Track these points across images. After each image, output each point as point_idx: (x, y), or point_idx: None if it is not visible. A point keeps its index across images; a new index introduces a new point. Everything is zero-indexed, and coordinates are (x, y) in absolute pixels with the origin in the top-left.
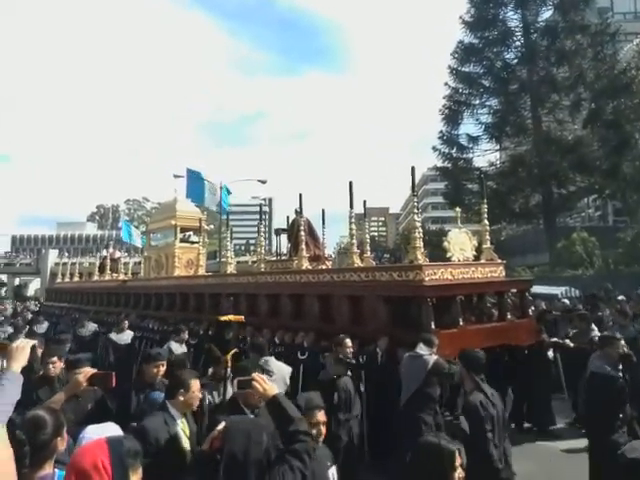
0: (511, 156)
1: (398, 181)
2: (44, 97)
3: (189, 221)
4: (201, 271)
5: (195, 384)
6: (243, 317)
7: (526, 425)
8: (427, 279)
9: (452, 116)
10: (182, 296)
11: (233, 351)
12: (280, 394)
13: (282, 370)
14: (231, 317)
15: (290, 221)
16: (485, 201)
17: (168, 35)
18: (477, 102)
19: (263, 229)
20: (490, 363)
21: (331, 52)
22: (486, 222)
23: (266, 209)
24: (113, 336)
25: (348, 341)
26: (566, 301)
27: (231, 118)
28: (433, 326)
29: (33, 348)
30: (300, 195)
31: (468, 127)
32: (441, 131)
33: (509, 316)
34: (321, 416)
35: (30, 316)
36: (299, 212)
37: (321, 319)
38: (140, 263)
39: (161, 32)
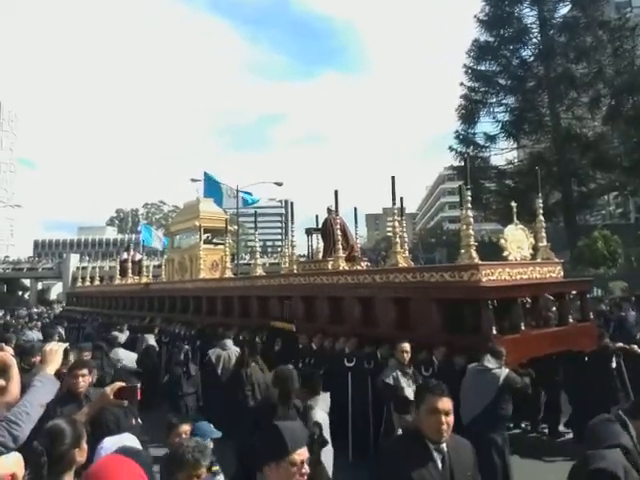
0: (530, 154)
1: (413, 181)
2: (66, 105)
3: (213, 222)
4: (228, 273)
5: None
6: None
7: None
8: (484, 279)
9: (468, 115)
10: (209, 299)
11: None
12: None
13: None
14: (279, 324)
15: (322, 220)
16: (540, 195)
17: (187, 41)
18: (494, 100)
19: (292, 229)
20: (547, 370)
21: (346, 53)
22: (542, 218)
23: (282, 211)
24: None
25: (405, 345)
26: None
27: (248, 121)
28: (494, 331)
29: (66, 352)
30: (336, 192)
31: (485, 126)
32: (457, 130)
33: (570, 320)
34: None
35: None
36: (333, 210)
37: (363, 323)
38: (160, 266)
39: (180, 38)
